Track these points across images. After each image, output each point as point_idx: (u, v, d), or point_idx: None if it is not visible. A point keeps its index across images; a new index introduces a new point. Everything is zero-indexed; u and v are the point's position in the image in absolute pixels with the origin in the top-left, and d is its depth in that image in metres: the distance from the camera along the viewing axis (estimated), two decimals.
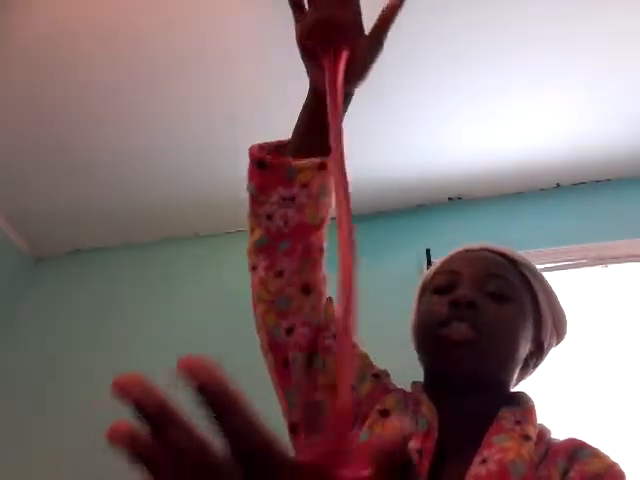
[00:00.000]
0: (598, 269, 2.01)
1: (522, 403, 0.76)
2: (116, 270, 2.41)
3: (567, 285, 1.99)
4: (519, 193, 2.24)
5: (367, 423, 0.72)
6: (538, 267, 0.85)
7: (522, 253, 0.86)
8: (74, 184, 2.27)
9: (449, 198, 2.29)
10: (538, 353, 0.82)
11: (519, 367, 0.79)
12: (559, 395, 1.70)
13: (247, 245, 0.77)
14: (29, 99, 2.00)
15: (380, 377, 0.81)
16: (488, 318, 0.73)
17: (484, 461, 0.66)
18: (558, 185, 2.24)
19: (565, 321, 0.85)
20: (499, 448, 0.67)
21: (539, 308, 0.80)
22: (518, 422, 0.72)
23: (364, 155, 2.11)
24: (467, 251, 0.85)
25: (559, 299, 0.84)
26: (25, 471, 1.92)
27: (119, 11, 1.77)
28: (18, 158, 2.19)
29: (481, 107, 1.97)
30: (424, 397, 0.75)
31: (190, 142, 2.11)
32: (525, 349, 0.78)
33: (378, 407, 0.74)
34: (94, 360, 2.14)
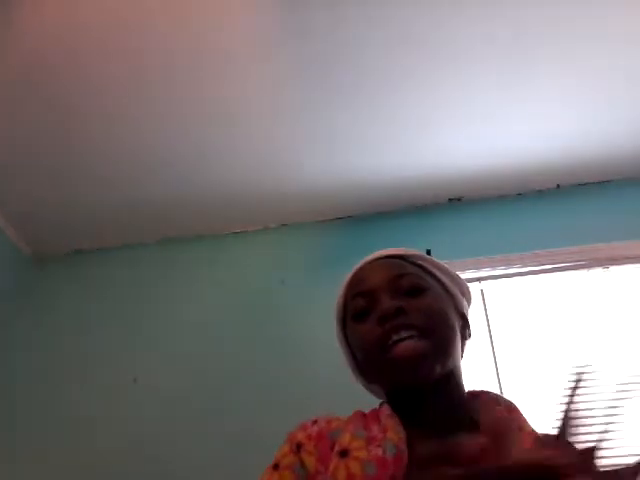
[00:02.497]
0: (599, 271, 2.01)
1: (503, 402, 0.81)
2: (116, 270, 2.41)
3: (567, 287, 1.99)
4: (519, 194, 2.25)
5: (330, 469, 0.68)
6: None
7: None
8: (74, 184, 2.27)
9: (449, 199, 2.29)
10: (465, 323, 0.87)
11: (461, 341, 0.83)
12: (558, 395, 1.70)
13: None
14: (29, 99, 2.00)
15: (302, 445, 0.74)
16: (419, 314, 0.76)
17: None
18: (558, 186, 2.24)
19: (467, 286, 0.91)
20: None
21: (445, 286, 0.86)
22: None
23: (364, 155, 2.11)
24: (363, 269, 0.87)
25: (453, 271, 0.90)
26: (26, 470, 1.92)
27: (129, 10, 1.77)
28: (18, 158, 2.19)
29: (481, 108, 1.98)
30: (390, 421, 0.73)
31: (190, 143, 2.11)
32: (457, 323, 0.82)
33: (337, 449, 0.70)
34: (94, 360, 2.14)
